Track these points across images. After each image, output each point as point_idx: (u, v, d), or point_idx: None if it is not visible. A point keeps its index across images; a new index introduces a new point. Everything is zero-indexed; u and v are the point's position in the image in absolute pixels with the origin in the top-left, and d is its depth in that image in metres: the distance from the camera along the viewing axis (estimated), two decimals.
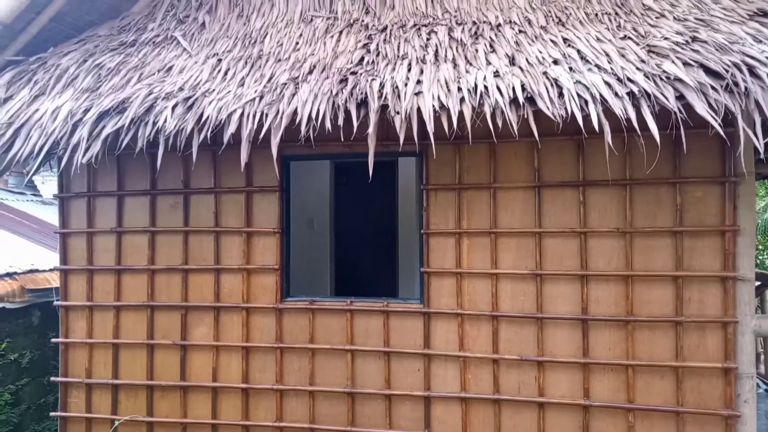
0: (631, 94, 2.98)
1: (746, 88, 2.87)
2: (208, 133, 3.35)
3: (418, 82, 3.33)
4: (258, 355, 4.04)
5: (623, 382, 3.54)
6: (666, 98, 2.91)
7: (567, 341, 3.62)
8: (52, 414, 4.42)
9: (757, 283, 6.78)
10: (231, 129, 3.31)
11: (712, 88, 2.92)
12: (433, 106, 3.14)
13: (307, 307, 3.96)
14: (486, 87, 3.17)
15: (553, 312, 3.64)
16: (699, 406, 3.45)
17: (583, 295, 3.59)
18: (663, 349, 3.51)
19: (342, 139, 3.27)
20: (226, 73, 3.82)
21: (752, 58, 2.99)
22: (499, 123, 3.06)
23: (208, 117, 3.36)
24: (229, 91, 3.56)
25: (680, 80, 2.97)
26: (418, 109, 3.16)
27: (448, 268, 3.79)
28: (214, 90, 3.61)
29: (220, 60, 3.98)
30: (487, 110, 3.08)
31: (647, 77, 3.03)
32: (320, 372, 3.95)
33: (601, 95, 2.98)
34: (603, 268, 3.58)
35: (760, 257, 12.11)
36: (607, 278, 3.58)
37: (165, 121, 3.40)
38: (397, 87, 3.28)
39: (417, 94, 3.24)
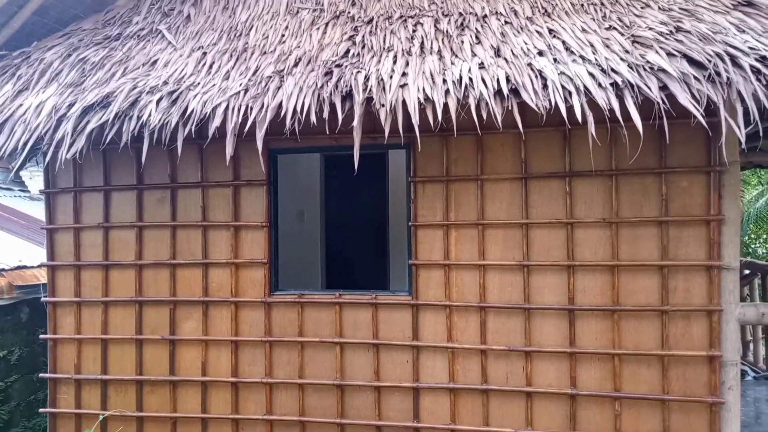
0: (614, 84, 3.00)
1: (728, 78, 2.88)
2: (193, 127, 3.34)
3: (404, 74, 3.34)
4: (247, 348, 4.04)
5: (610, 371, 3.57)
6: (649, 88, 2.93)
7: (554, 331, 3.64)
8: (41, 410, 4.42)
9: (747, 272, 6.85)
10: (216, 122, 3.31)
11: (695, 78, 2.93)
12: (418, 98, 3.14)
13: (296, 300, 3.96)
14: (471, 79, 3.17)
15: (540, 302, 3.66)
16: (684, 394, 3.48)
17: (569, 285, 3.61)
18: (649, 338, 3.53)
19: (328, 132, 3.27)
20: (211, 67, 3.80)
21: (735, 48, 3.01)
22: (484, 115, 3.07)
23: (192, 110, 3.36)
24: (214, 85, 3.55)
25: (663, 70, 2.98)
26: (404, 102, 3.16)
27: (436, 260, 3.80)
28: (199, 83, 3.59)
29: (205, 53, 3.96)
30: (472, 102, 3.08)
31: (631, 68, 3.04)
32: (309, 365, 3.96)
33: (584, 86, 3.00)
34: (589, 258, 3.60)
35: (752, 246, 12.20)
36: (594, 268, 3.60)
37: (149, 115, 3.38)
38: (382, 79, 3.28)
39: (402, 86, 3.24)
